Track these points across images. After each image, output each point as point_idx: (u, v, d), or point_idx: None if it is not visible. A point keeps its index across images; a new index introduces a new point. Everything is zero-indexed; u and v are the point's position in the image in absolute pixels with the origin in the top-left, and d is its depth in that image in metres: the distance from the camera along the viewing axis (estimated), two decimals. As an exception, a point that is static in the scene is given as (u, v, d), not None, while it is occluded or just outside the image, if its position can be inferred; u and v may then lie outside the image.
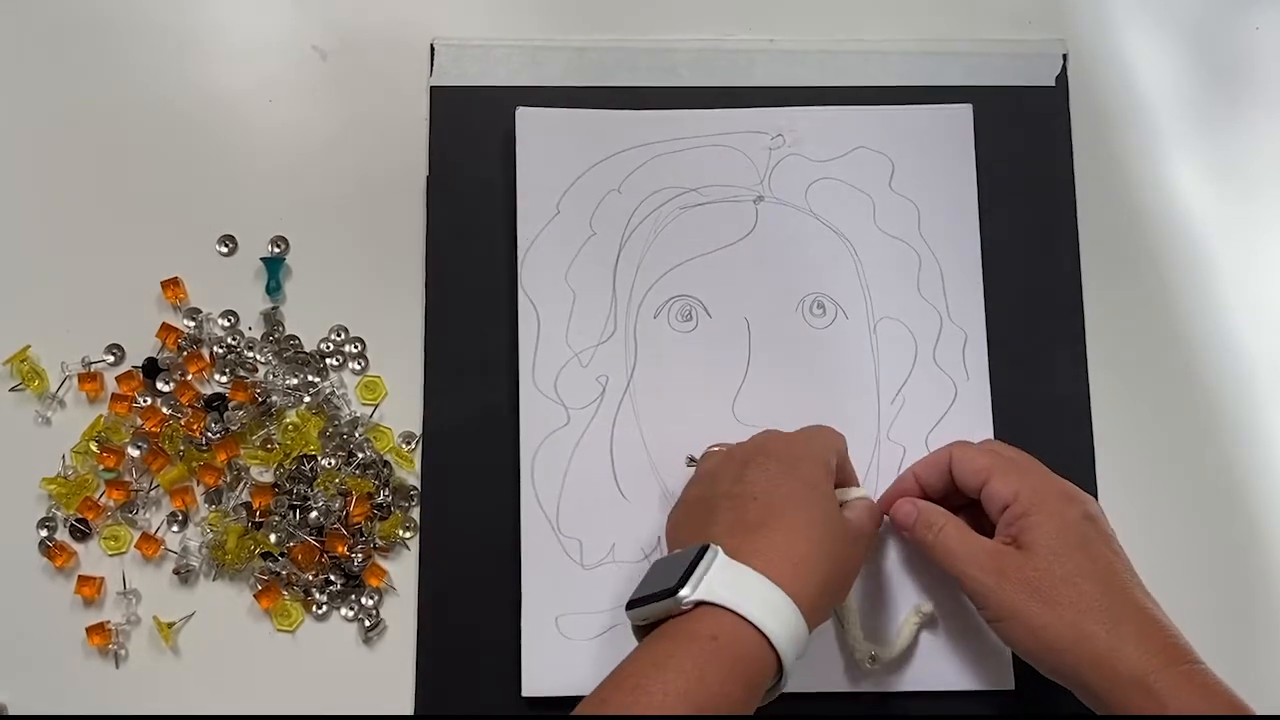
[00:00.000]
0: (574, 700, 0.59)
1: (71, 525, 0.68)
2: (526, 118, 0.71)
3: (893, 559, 0.67)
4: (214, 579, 0.68)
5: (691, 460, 0.67)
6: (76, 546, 0.68)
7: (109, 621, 0.67)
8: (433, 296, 0.70)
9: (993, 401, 0.69)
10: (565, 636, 0.66)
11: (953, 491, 0.64)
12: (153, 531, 0.68)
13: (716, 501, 0.59)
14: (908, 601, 0.67)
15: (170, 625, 0.67)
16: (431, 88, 0.73)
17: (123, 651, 0.67)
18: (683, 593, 0.53)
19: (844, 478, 0.63)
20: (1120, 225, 0.73)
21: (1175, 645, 0.56)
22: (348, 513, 0.68)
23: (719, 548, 0.55)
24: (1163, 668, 0.54)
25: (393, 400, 0.70)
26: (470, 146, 0.72)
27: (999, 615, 0.58)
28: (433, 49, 0.73)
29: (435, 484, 0.69)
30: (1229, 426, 0.71)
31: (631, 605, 0.56)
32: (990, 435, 0.68)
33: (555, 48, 0.73)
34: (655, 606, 0.54)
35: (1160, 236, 0.73)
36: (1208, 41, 0.76)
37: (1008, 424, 0.69)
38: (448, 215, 0.71)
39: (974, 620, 0.66)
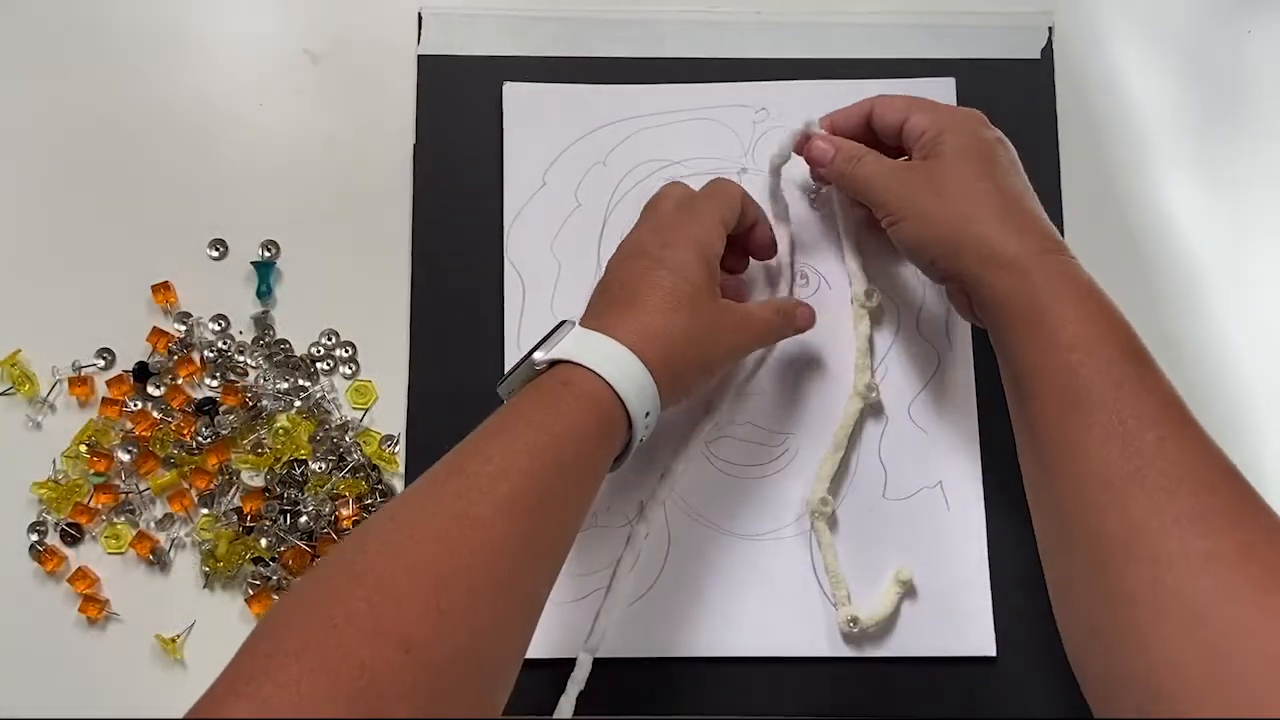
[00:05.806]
0: (560, 662, 0.60)
1: (62, 529, 0.68)
2: (513, 92, 0.72)
3: (879, 525, 0.67)
4: (206, 586, 0.67)
5: None
6: (67, 551, 0.68)
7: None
8: (418, 271, 0.70)
9: (982, 396, 0.69)
10: (551, 601, 0.64)
11: (872, 143, 0.66)
12: (149, 532, 0.68)
13: (604, 286, 0.62)
14: (890, 566, 0.66)
15: (174, 640, 0.66)
16: (419, 56, 0.73)
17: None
18: (536, 355, 0.57)
19: (748, 220, 0.65)
20: (1104, 206, 0.73)
21: (1052, 240, 0.59)
22: (338, 517, 0.68)
23: (574, 322, 0.59)
24: (1036, 254, 0.58)
25: (383, 404, 0.70)
26: (456, 114, 0.72)
27: (900, 215, 0.62)
28: (420, 17, 0.73)
29: (421, 468, 0.67)
30: (1224, 426, 0.69)
31: (500, 383, 0.60)
32: (974, 411, 0.68)
33: (542, 18, 0.73)
34: (515, 375, 0.59)
35: (1143, 225, 0.73)
36: (1198, 43, 0.76)
37: (1003, 422, 0.67)
38: (434, 183, 0.71)
39: (956, 587, 0.66)
